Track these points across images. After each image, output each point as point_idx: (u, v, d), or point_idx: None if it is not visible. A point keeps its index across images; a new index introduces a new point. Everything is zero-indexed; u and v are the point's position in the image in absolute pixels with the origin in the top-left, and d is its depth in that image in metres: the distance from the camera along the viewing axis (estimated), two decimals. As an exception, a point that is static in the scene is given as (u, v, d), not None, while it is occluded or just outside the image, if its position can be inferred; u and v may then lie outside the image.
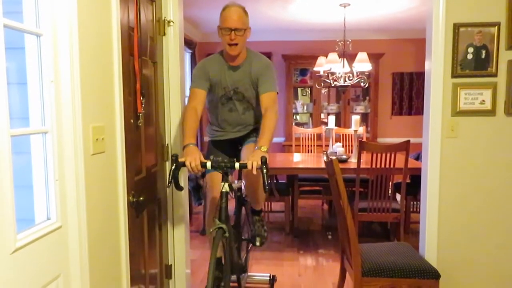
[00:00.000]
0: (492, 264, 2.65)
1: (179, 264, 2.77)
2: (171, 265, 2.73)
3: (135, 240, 2.13)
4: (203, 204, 4.33)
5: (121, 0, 1.90)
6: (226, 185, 2.11)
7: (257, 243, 2.64)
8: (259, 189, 2.50)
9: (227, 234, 2.06)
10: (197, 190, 4.30)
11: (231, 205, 2.55)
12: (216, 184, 2.36)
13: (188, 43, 5.27)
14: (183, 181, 2.74)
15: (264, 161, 2.03)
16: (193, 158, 2.08)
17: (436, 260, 2.63)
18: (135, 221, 2.14)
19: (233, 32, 2.27)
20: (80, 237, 1.58)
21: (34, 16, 1.44)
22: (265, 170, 2.03)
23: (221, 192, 2.11)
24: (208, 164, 2.09)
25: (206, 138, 2.80)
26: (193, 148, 2.15)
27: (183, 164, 2.10)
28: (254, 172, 2.04)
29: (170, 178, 2.08)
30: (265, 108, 2.33)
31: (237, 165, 2.08)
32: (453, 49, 2.53)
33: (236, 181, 2.71)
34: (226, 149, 2.59)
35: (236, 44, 2.30)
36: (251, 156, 2.11)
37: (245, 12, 2.33)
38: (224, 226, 2.05)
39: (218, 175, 2.29)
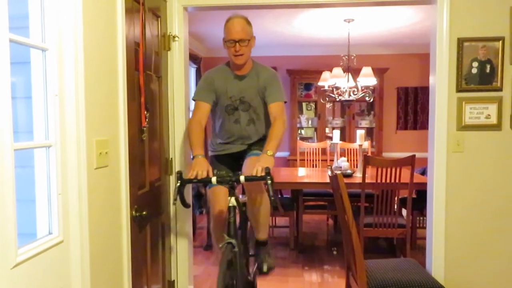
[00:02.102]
0: (502, 282, 2.59)
1: (182, 280, 2.74)
2: (174, 280, 2.70)
3: (138, 255, 2.11)
4: (204, 213, 4.28)
5: (126, 15, 1.92)
6: (233, 199, 2.08)
7: (264, 269, 2.58)
8: (262, 206, 2.48)
9: (236, 249, 2.03)
10: (198, 198, 4.24)
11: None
12: (220, 199, 2.34)
13: (193, 58, 5.31)
14: (188, 194, 2.73)
15: (268, 172, 2.02)
16: (201, 169, 2.10)
17: (443, 277, 2.58)
18: (138, 236, 2.12)
19: (237, 43, 2.30)
20: (82, 252, 1.57)
21: (40, 31, 1.46)
22: (269, 182, 2.00)
23: (229, 206, 2.09)
24: (213, 179, 2.07)
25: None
26: (201, 160, 2.18)
27: (188, 181, 2.10)
28: (259, 174, 2.03)
29: (175, 196, 2.06)
30: (274, 117, 2.37)
31: (242, 178, 2.06)
32: (458, 63, 2.53)
33: (241, 196, 2.69)
34: (229, 163, 2.57)
35: (242, 54, 2.33)
36: (257, 162, 2.11)
37: (248, 22, 2.36)
38: (233, 241, 2.02)
39: (221, 190, 2.28)
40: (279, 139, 2.28)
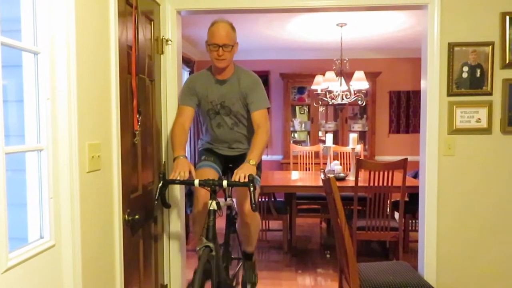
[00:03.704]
0: (494, 284, 2.61)
1: (175, 284, 2.73)
2: (166, 285, 2.69)
3: (130, 259, 2.10)
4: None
5: (119, 19, 1.92)
6: (214, 203, 2.10)
7: (247, 287, 2.61)
8: (253, 220, 2.49)
9: (213, 253, 2.04)
10: (190, 197, 4.21)
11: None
12: (202, 197, 2.35)
13: (187, 61, 5.31)
14: (180, 197, 2.73)
15: (251, 179, 2.04)
16: (183, 170, 2.14)
17: (435, 279, 2.60)
18: (131, 240, 2.11)
19: (220, 48, 2.29)
20: (74, 256, 1.56)
21: (32, 34, 1.46)
22: (252, 189, 2.03)
23: (209, 210, 2.11)
24: (196, 182, 2.09)
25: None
26: (183, 160, 2.21)
27: (171, 182, 2.14)
28: (242, 180, 2.07)
29: (157, 195, 2.11)
30: (257, 125, 2.38)
31: (225, 183, 2.09)
32: (448, 68, 2.56)
33: (227, 199, 2.68)
34: (218, 158, 2.57)
35: (224, 59, 2.32)
36: (239, 169, 2.14)
37: (233, 28, 2.36)
38: (211, 244, 2.03)
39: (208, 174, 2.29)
40: (262, 148, 2.31)
